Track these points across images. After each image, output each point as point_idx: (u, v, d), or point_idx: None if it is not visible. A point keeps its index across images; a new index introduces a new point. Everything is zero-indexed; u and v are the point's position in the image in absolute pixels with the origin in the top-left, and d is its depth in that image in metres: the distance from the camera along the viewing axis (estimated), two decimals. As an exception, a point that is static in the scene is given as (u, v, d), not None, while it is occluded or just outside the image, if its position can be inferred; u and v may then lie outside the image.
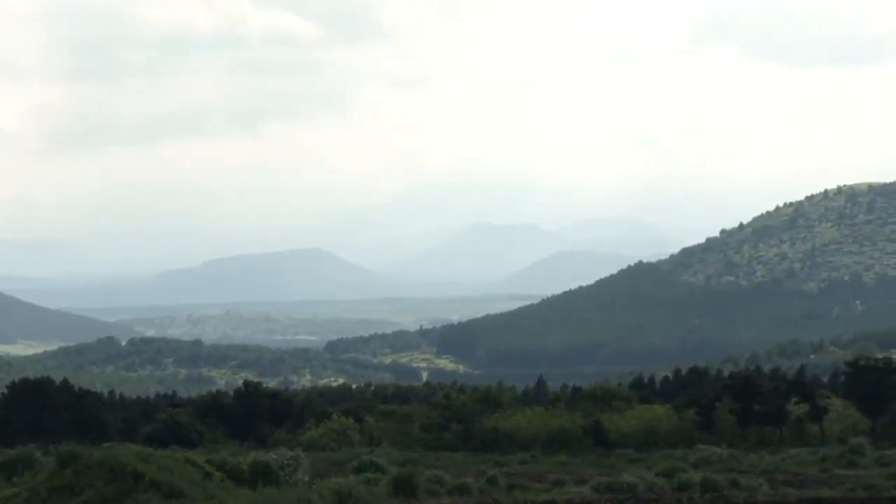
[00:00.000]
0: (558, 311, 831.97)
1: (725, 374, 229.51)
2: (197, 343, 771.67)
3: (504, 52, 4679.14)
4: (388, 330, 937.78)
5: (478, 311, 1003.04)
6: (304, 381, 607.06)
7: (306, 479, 64.83)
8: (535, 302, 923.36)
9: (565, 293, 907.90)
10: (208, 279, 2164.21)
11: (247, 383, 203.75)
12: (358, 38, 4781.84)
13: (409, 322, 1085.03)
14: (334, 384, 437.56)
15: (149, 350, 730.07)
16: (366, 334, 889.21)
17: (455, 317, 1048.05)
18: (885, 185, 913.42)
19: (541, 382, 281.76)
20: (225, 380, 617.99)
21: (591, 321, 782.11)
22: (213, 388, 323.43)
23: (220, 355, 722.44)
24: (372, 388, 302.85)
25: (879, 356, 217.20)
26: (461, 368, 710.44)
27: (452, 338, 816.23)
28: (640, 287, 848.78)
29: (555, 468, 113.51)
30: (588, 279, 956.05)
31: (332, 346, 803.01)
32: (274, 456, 65.51)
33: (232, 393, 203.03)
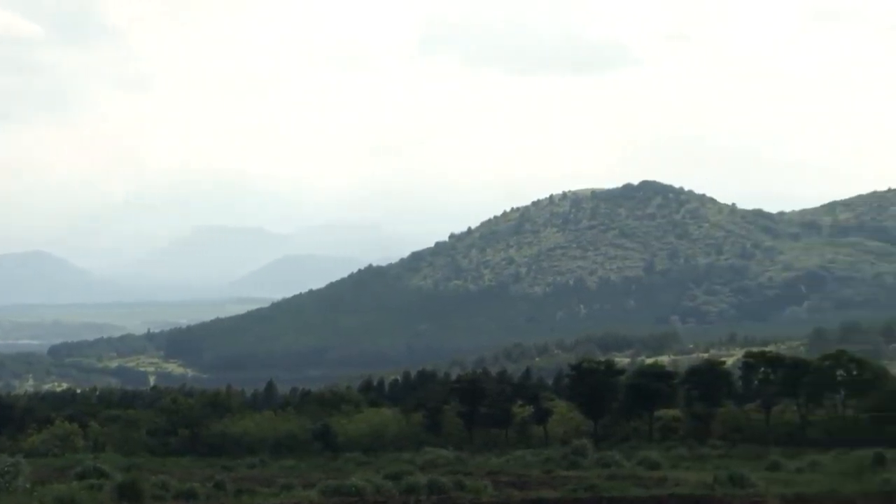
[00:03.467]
0: (288, 315, 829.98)
1: (453, 377, 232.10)
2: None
3: (234, 56, 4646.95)
4: (115, 334, 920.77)
5: (206, 315, 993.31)
6: (27, 385, 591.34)
7: (27, 485, 63.21)
8: (265, 306, 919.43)
9: (295, 297, 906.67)
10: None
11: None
12: (82, 38, 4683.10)
13: (137, 326, 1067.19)
14: (58, 389, 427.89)
15: None
16: (91, 338, 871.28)
17: (184, 321, 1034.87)
18: (607, 191, 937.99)
19: (270, 386, 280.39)
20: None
21: (320, 325, 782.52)
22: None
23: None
24: (97, 392, 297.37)
25: (601, 359, 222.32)
26: (189, 373, 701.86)
27: (180, 342, 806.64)
28: (370, 291, 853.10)
29: (283, 472, 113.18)
30: (318, 283, 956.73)
31: (55, 351, 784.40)
32: (-7, 463, 63.69)
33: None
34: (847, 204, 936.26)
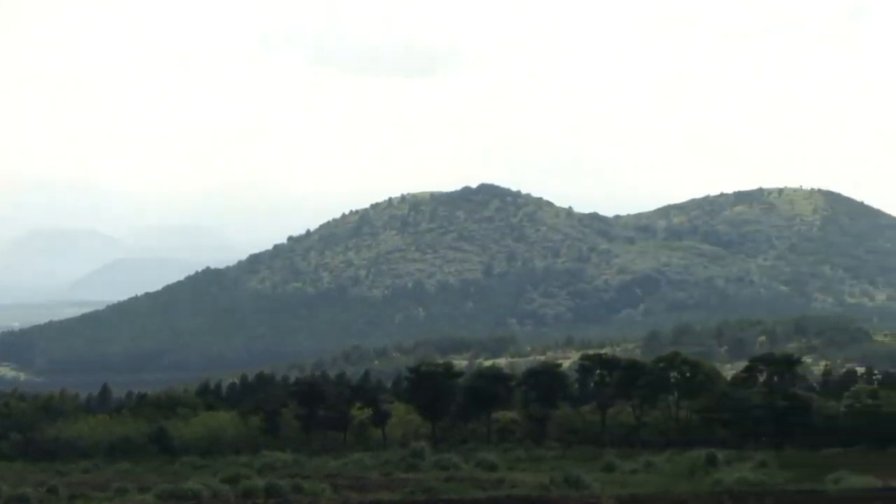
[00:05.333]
0: (123, 318, 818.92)
1: (291, 380, 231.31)
2: None
3: (65, 55, 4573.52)
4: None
5: (40, 318, 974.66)
6: None
7: None
8: (101, 308, 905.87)
9: (131, 299, 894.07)
10: None
11: None
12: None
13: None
14: None
15: None
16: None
17: (16, 323, 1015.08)
18: (446, 193, 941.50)
19: (105, 390, 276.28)
20: None
21: (156, 328, 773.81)
22: None
23: None
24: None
25: (440, 361, 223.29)
26: (22, 376, 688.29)
27: (12, 345, 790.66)
28: (207, 293, 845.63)
29: (118, 476, 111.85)
30: (155, 285, 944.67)
31: None
32: None
33: None
34: (681, 208, 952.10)
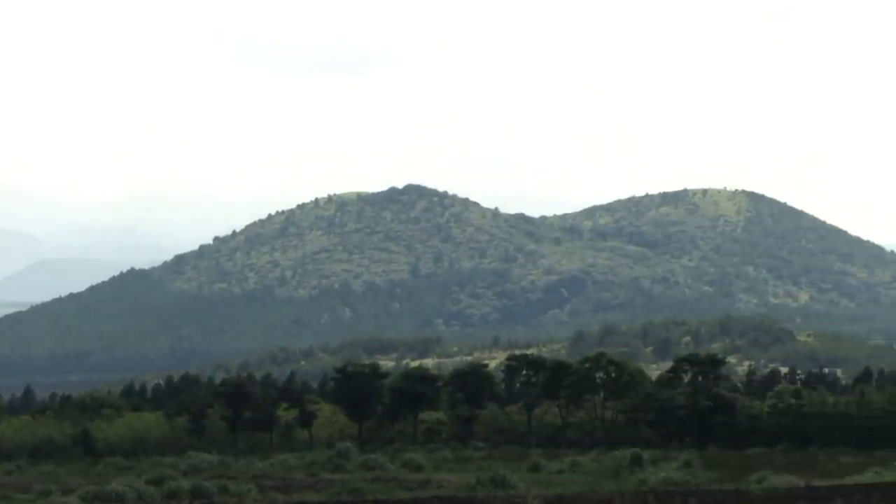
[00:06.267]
0: (47, 319, 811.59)
1: (217, 380, 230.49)
2: None
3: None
4: None
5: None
6: None
7: None
8: (24, 309, 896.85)
9: (55, 300, 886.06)
10: None
11: None
12: None
13: None
14: None
15: None
16: None
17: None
18: (372, 194, 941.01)
19: (28, 391, 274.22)
20: None
21: (81, 329, 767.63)
22: None
23: None
24: None
25: (366, 362, 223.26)
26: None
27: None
28: (132, 294, 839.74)
29: (41, 478, 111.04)
30: (79, 286, 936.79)
31: None
32: None
33: None
34: (606, 208, 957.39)
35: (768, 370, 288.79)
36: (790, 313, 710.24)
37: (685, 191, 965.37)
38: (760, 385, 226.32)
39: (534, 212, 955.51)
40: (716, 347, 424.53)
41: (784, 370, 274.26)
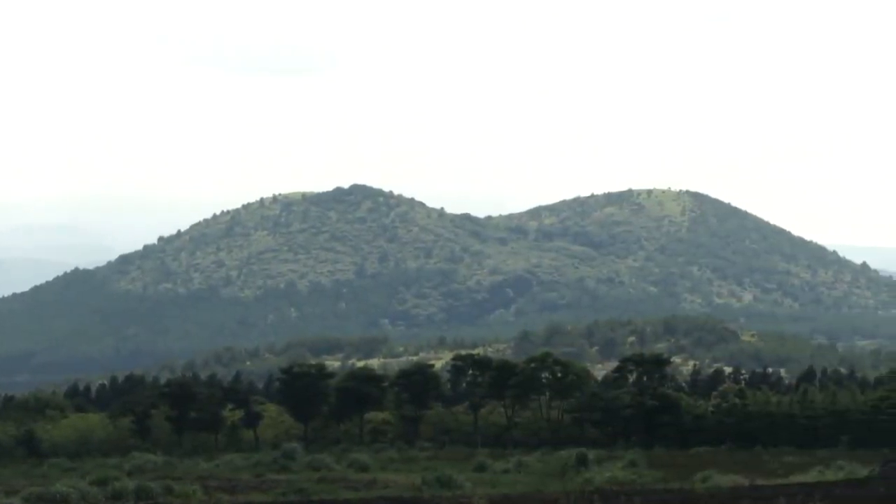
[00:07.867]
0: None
1: (162, 381, 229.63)
2: None
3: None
4: None
5: None
6: None
7: None
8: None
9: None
10: None
11: None
12: None
13: None
14: None
15: None
16: None
17: None
18: (318, 194, 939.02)
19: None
20: None
21: (24, 329, 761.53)
22: None
23: None
24: None
25: (312, 362, 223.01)
26: None
27: None
28: (76, 294, 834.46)
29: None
30: (24, 286, 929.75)
31: None
32: None
33: None
34: (551, 209, 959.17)
35: (713, 370, 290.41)
36: (734, 313, 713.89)
37: (630, 191, 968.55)
38: (705, 385, 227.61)
39: (479, 212, 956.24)
40: (660, 347, 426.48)
41: (728, 370, 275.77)
